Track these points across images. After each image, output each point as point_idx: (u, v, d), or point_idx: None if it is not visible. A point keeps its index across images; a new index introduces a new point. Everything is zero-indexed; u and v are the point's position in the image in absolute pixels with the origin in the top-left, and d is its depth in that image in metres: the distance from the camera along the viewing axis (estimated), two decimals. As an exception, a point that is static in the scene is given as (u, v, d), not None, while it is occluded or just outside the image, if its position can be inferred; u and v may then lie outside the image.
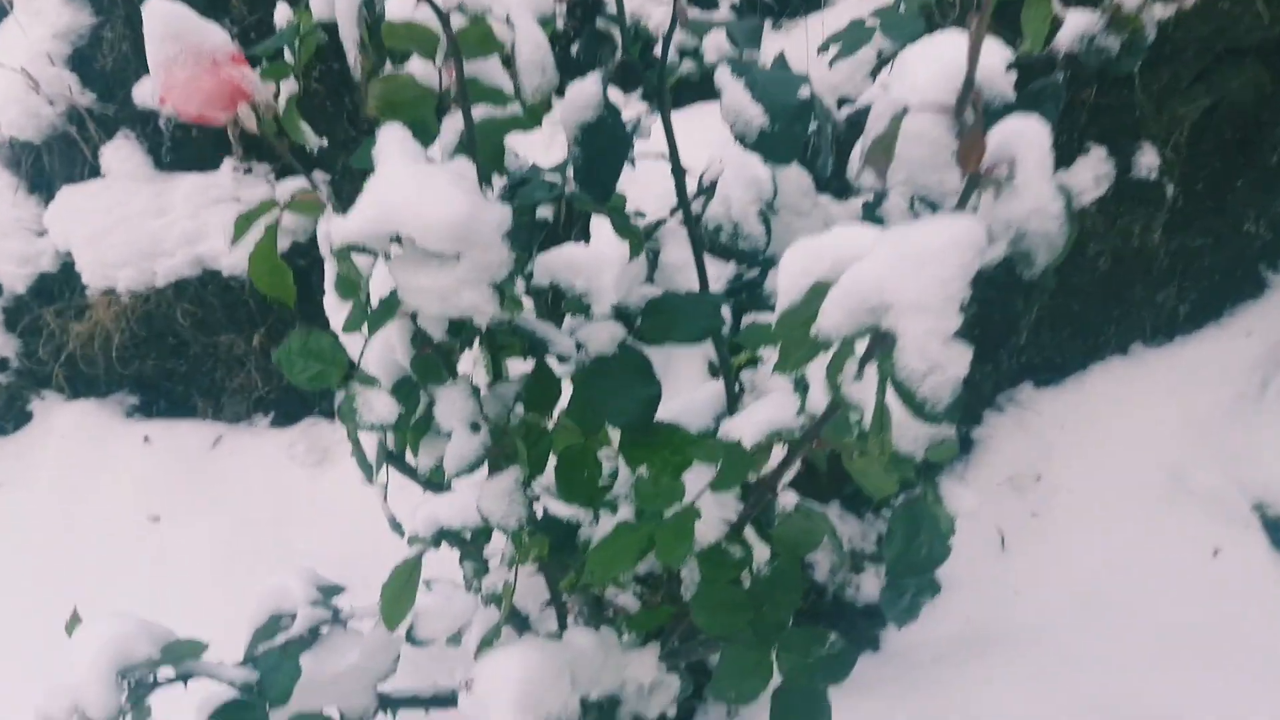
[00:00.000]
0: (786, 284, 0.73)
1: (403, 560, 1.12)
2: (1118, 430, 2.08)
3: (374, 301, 0.85)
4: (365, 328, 0.85)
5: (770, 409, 0.86)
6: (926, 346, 0.60)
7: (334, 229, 0.72)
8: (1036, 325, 2.11)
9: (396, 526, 1.27)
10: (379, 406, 0.83)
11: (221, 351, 2.05)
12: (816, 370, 0.86)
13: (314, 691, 1.19)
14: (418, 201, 0.70)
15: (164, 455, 2.04)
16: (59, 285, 2.06)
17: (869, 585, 2.01)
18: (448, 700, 1.45)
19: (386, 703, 1.35)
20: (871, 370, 0.72)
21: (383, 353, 0.94)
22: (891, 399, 0.68)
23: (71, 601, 1.51)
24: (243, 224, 0.74)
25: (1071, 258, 2.14)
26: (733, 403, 1.10)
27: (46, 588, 1.74)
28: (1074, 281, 2.08)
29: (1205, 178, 2.04)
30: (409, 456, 1.24)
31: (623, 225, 0.94)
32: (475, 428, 0.92)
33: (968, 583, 2.03)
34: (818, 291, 0.68)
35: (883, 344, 0.64)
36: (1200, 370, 2.15)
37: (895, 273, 0.60)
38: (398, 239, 0.72)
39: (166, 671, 1.09)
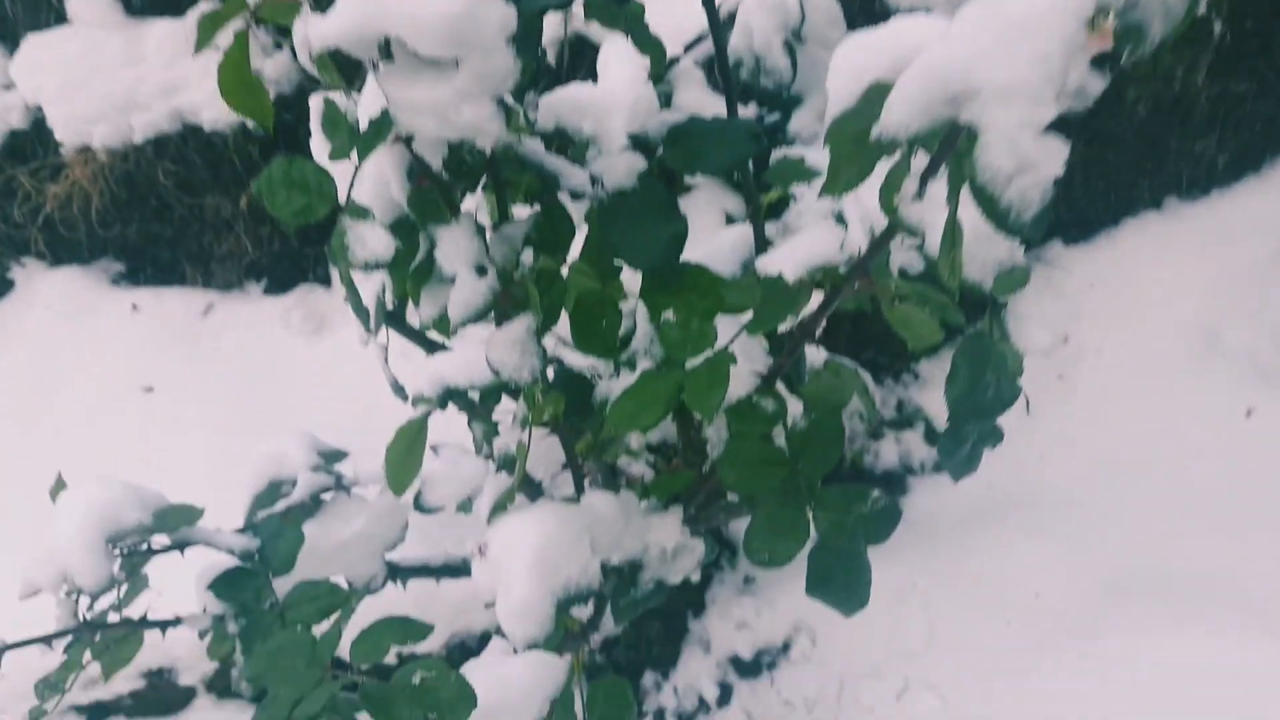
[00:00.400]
0: (837, 87, 0.63)
1: (407, 422, 1.05)
2: (1149, 289, 1.99)
3: (363, 125, 0.75)
4: (354, 155, 0.75)
5: (812, 242, 0.77)
6: (1016, 140, 0.50)
7: (311, 30, 0.61)
8: (1068, 177, 1.99)
9: (399, 389, 1.19)
10: (373, 241, 0.74)
11: (208, 214, 1.95)
12: (868, 194, 0.76)
13: (318, 559, 1.14)
14: (409, -7, 0.59)
15: (154, 324, 1.96)
16: (31, 143, 1.94)
17: (888, 452, 1.95)
18: (459, 569, 1.40)
19: (395, 571, 1.30)
20: (936, 188, 0.63)
21: (376, 189, 0.84)
22: (964, 214, 0.59)
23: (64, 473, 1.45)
24: (208, 27, 0.64)
25: (1107, 102, 2.01)
26: (761, 245, 1.00)
27: (34, 461, 1.68)
28: (1109, 129, 1.96)
29: (1255, 14, 1.89)
30: (411, 320, 1.16)
31: (643, 36, 0.83)
32: (481, 271, 0.83)
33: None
34: (877, 92, 0.58)
35: (958, 144, 0.54)
36: (1236, 225, 2.05)
37: (981, 51, 0.50)
38: (386, 44, 0.62)
39: (161, 540, 1.03)
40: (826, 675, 1.70)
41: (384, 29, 0.60)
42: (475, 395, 1.11)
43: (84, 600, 0.96)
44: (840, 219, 0.95)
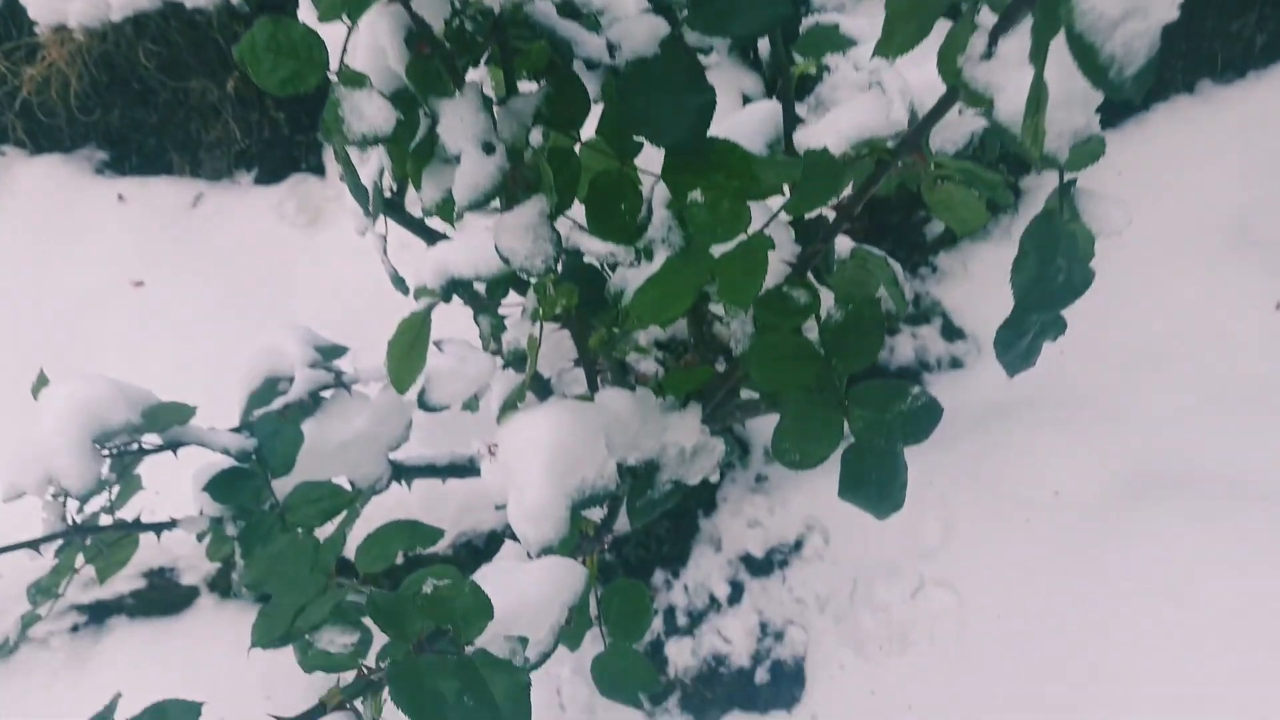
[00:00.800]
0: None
1: (409, 315, 0.98)
2: (1179, 176, 1.91)
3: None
4: (346, 15, 0.66)
5: (858, 113, 0.69)
6: (1125, -22, 0.43)
7: None
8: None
9: (399, 282, 1.13)
10: (371, 113, 0.66)
11: (193, 99, 1.84)
12: (909, 66, 0.69)
13: (319, 460, 1.08)
14: None
15: (142, 215, 1.88)
16: (5, 23, 1.83)
17: (903, 348, 1.90)
18: (465, 469, 1.35)
19: (400, 471, 1.25)
20: (1009, 45, 0.55)
21: (372, 58, 0.76)
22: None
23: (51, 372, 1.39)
24: None
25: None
26: (791, 122, 0.92)
27: (20, 360, 1.62)
28: (1147, 6, 1.84)
29: (1306, -119, 1.77)
30: (412, 210, 1.08)
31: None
32: (489, 149, 0.75)
33: (1009, 341, 1.91)
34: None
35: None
36: (1271, 110, 1.95)
37: None
38: None
39: (152, 439, 0.97)
40: (840, 574, 1.68)
41: None
42: (481, 287, 1.05)
43: (73, 503, 0.92)
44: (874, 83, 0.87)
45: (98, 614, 1.61)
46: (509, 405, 0.96)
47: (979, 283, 1.95)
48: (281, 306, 1.81)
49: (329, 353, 1.13)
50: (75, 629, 1.62)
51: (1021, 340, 0.69)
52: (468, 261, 0.97)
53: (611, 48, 0.80)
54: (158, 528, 0.99)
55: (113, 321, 1.77)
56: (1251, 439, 1.58)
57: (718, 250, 0.76)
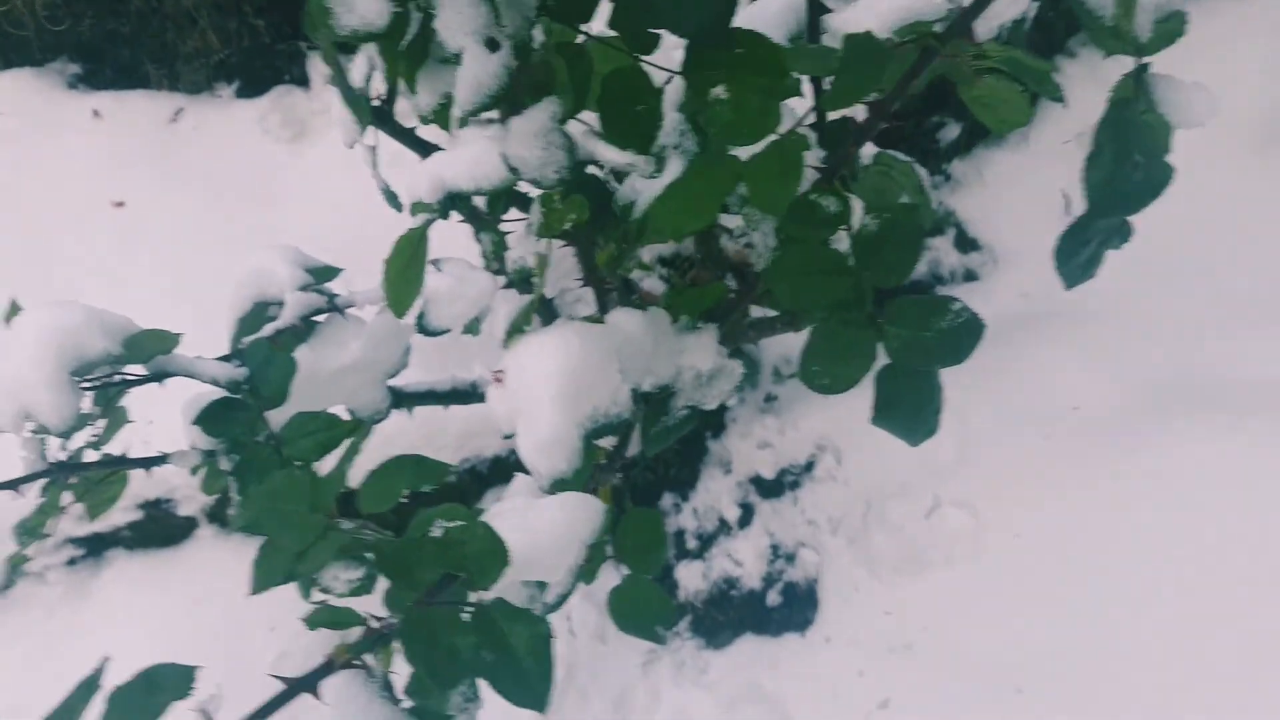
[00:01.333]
0: None
1: (405, 233, 0.92)
2: (1205, 74, 1.82)
3: None
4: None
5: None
6: None
7: None
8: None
9: (392, 197, 1.06)
10: (362, 5, 0.59)
11: (168, 7, 1.74)
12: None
13: (314, 389, 1.03)
14: None
15: (119, 131, 1.79)
16: (-40, -73, 1.72)
17: (915, 258, 1.83)
18: (468, 394, 1.30)
19: (399, 398, 1.19)
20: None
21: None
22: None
23: (29, 307, 1.33)
24: None
25: None
26: (816, 9, 0.84)
27: None
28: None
29: None
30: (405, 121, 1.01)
31: None
32: (493, 45, 0.68)
33: (1026, 254, 1.85)
34: None
35: None
36: (1302, 6, 1.86)
37: None
38: None
39: (137, 370, 0.91)
40: (852, 494, 1.64)
41: None
42: (482, 201, 0.98)
43: (55, 440, 0.86)
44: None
45: (95, 547, 1.58)
46: (515, 329, 0.90)
47: (994, 191, 1.87)
48: (269, 225, 1.74)
49: (321, 274, 1.07)
50: (72, 562, 1.58)
51: (1084, 249, 0.63)
52: (467, 174, 0.89)
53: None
54: (146, 463, 0.93)
55: (93, 244, 1.69)
56: (1275, 348, 1.53)
57: (744, 153, 0.70)
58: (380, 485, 0.71)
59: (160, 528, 1.56)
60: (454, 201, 0.94)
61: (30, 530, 0.89)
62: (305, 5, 0.67)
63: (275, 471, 0.77)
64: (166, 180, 1.75)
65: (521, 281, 0.93)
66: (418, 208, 0.98)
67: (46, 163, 1.75)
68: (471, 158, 0.90)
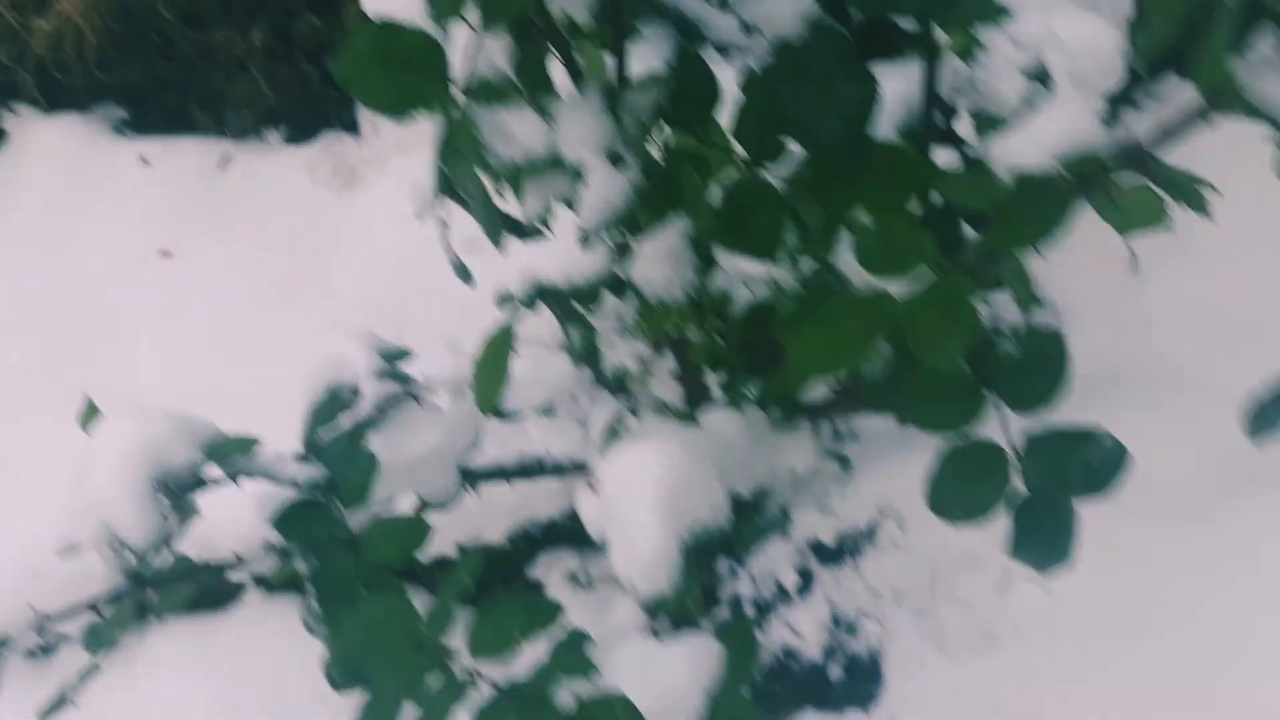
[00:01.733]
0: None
1: (495, 331, 0.88)
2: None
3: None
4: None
5: (1063, 117, 0.58)
6: None
7: None
8: None
9: (463, 271, 1.02)
10: (523, 132, 0.54)
11: (218, 52, 1.71)
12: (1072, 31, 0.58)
13: (388, 478, 0.99)
14: None
15: (167, 178, 1.76)
16: (10, -29, 1.70)
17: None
18: (533, 469, 1.26)
19: (467, 476, 1.15)
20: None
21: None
22: None
23: (80, 360, 1.30)
24: None
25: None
26: (931, 104, 0.80)
27: (47, 341, 1.53)
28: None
29: None
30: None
31: None
32: (616, 159, 0.64)
33: (1091, 311, 1.80)
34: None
35: None
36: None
37: None
38: None
39: (213, 471, 0.88)
40: (917, 564, 1.59)
41: None
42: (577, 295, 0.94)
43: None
44: (1040, 77, 0.75)
45: (141, 610, 1.54)
46: (611, 434, 0.86)
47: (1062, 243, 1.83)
48: (318, 277, 1.70)
49: (393, 356, 1.03)
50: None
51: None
52: (560, 268, 0.86)
53: (748, 28, 0.68)
54: (220, 568, 0.90)
55: (142, 295, 1.66)
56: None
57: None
58: (490, 628, 0.67)
59: (207, 592, 1.52)
60: (543, 294, 0.91)
61: (104, 640, 0.85)
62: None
63: (368, 601, 0.73)
64: (215, 229, 1.72)
65: (620, 383, 0.89)
66: (504, 301, 0.94)
67: (94, 210, 1.72)
68: (565, 251, 0.86)
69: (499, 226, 0.67)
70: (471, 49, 0.57)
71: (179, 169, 1.76)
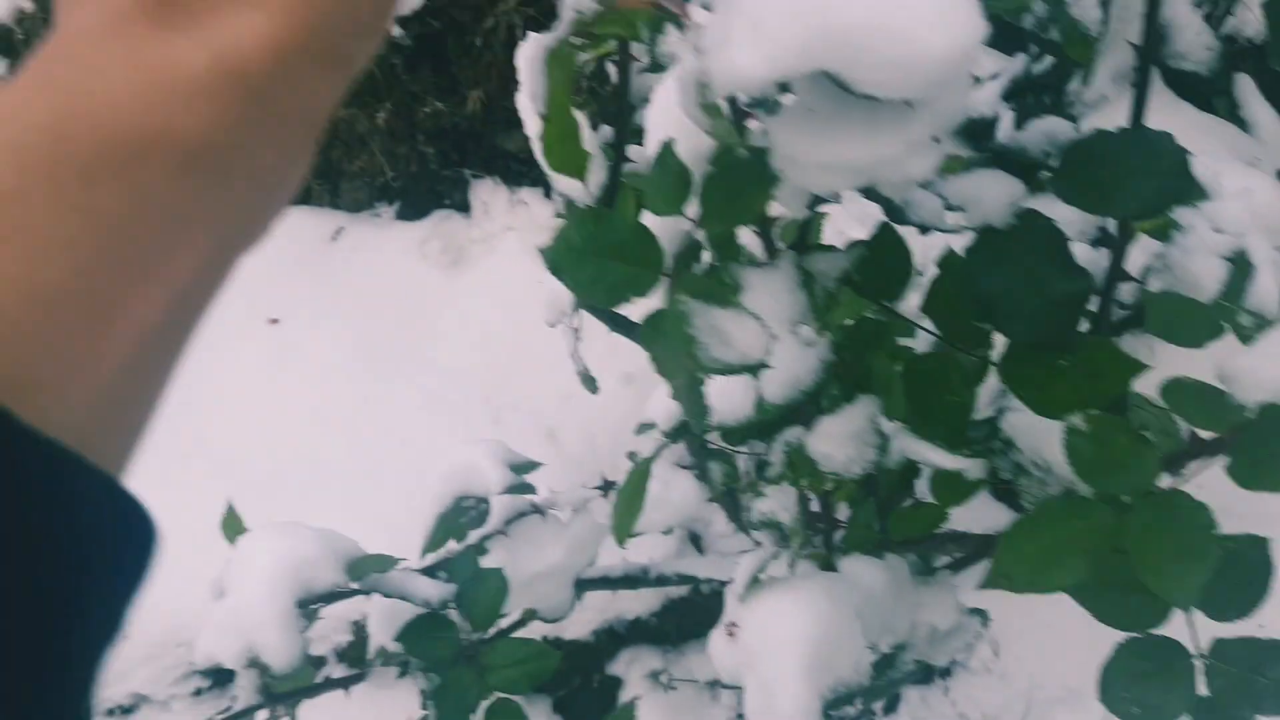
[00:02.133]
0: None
1: (637, 464, 0.87)
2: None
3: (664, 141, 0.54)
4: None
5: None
6: None
7: (715, 65, 0.40)
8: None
9: (589, 381, 1.01)
10: (740, 336, 0.54)
11: (341, 128, 1.75)
12: None
13: (510, 593, 0.98)
14: (888, 13, 0.38)
15: (279, 246, 1.77)
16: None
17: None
18: (638, 579, 1.25)
19: (577, 586, 1.14)
20: None
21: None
22: None
23: (181, 418, 1.32)
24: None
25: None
26: (1116, 277, 0.78)
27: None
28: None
29: None
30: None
31: None
32: (806, 335, 0.63)
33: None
34: None
35: None
36: None
37: None
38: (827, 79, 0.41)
39: (347, 583, 0.87)
40: (1011, 692, 1.54)
41: (839, 62, 0.39)
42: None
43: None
44: (1239, 260, 0.73)
45: (220, 679, 1.54)
46: (755, 581, 0.84)
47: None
48: (423, 351, 1.71)
49: (521, 468, 1.02)
50: (199, 693, 1.54)
51: None
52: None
53: (952, 208, 0.67)
54: (347, 683, 0.89)
55: (248, 360, 1.68)
56: None
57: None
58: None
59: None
60: (687, 429, 0.90)
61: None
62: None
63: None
64: (322, 299, 1.74)
65: (769, 529, 0.87)
66: (645, 429, 0.93)
67: (208, 274, 1.75)
68: (717, 389, 0.85)
69: (704, 414, 0.66)
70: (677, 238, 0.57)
71: (292, 237, 1.79)
